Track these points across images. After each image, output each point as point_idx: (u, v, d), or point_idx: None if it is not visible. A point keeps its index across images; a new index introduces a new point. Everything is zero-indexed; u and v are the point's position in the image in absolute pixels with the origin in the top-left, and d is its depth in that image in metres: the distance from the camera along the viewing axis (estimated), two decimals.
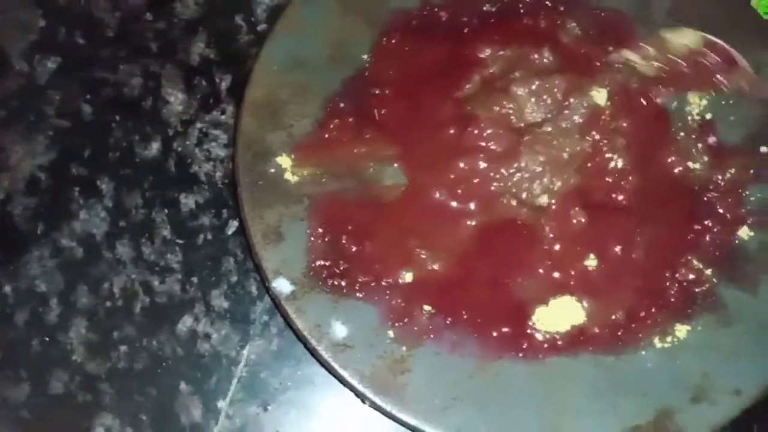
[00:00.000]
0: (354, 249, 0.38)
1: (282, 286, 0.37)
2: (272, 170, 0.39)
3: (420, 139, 0.40)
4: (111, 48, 0.44)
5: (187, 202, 0.41)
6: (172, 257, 0.40)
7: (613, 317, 0.37)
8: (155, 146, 0.42)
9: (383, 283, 0.38)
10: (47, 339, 0.38)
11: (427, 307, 0.37)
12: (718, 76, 0.41)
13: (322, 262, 0.38)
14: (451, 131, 0.40)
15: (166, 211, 0.41)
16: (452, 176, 0.39)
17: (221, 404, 0.38)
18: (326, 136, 0.40)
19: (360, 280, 0.37)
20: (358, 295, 0.37)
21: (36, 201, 0.41)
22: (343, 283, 0.37)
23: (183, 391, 0.38)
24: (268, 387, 0.38)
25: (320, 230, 0.38)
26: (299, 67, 0.41)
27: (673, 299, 0.38)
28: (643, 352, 0.37)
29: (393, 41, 0.42)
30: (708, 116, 0.41)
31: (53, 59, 0.43)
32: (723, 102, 0.42)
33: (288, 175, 0.39)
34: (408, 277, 0.38)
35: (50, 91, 0.43)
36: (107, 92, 0.43)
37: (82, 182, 0.41)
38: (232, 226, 0.41)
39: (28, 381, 0.38)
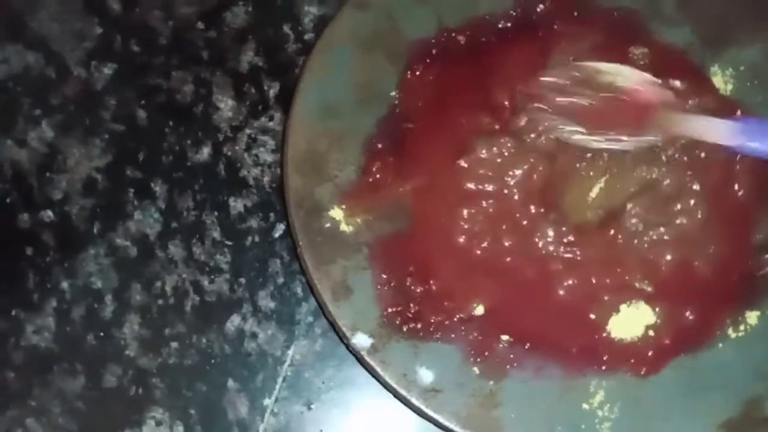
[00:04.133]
0: (420, 289, 0.38)
1: (361, 340, 0.37)
2: (327, 225, 0.39)
3: (433, 170, 0.40)
4: (164, 55, 0.45)
5: (236, 205, 0.43)
6: (221, 258, 0.42)
7: (686, 314, 0.38)
8: (206, 151, 0.44)
9: (456, 319, 0.38)
10: (102, 334, 0.40)
11: (504, 337, 0.38)
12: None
13: (394, 309, 0.38)
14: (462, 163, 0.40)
15: (216, 213, 0.42)
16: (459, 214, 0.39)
17: (267, 402, 0.39)
18: (370, 180, 0.40)
19: (433, 320, 0.38)
20: (435, 336, 0.37)
21: (92, 201, 0.42)
22: (418, 326, 0.37)
23: (230, 388, 0.39)
24: (312, 386, 0.40)
25: (384, 276, 0.38)
26: (333, 115, 0.40)
27: (737, 287, 0.38)
28: (720, 345, 0.38)
29: (417, 73, 0.42)
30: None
31: (109, 66, 0.45)
32: (748, 84, 0.42)
33: (343, 227, 0.39)
34: (479, 309, 0.38)
35: (106, 97, 0.44)
36: (161, 98, 0.45)
37: (136, 184, 0.43)
38: (279, 229, 0.42)
39: (83, 374, 0.40)
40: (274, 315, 0.41)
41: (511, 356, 0.37)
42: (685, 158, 0.39)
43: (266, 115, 0.44)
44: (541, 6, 0.43)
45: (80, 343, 0.40)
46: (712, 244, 0.39)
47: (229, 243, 0.42)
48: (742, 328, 0.38)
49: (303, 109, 0.40)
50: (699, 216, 0.39)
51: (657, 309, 0.38)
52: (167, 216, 0.42)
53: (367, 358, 0.37)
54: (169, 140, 0.44)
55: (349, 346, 0.37)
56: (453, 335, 0.37)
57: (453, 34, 0.43)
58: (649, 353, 0.37)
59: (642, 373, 0.37)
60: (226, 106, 0.45)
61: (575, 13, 0.43)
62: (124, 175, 0.43)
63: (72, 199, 0.42)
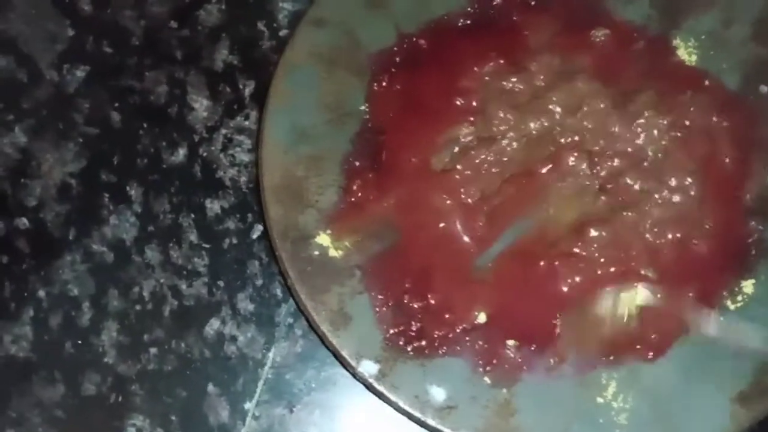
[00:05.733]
0: (419, 305, 0.37)
1: (368, 367, 0.36)
2: (316, 252, 0.38)
3: (412, 180, 0.40)
4: (137, 56, 0.45)
5: (213, 206, 0.42)
6: (199, 261, 0.41)
7: (689, 294, 0.38)
8: (181, 152, 0.43)
9: (459, 331, 0.37)
10: (80, 342, 0.40)
11: (510, 342, 0.37)
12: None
13: (396, 329, 0.37)
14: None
15: (193, 215, 0.42)
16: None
17: (248, 405, 0.39)
18: (353, 200, 0.39)
19: (436, 334, 0.37)
20: (441, 351, 0.37)
21: (67, 207, 0.42)
22: (423, 343, 0.37)
23: (211, 393, 0.39)
24: (293, 388, 0.39)
25: (381, 297, 0.37)
26: (305, 140, 0.40)
27: (730, 258, 0.38)
28: (722, 318, 0.38)
29: (383, 84, 0.41)
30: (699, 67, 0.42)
31: (82, 68, 0.44)
32: (711, 52, 0.42)
33: (332, 252, 0.38)
34: (481, 317, 0.37)
35: (79, 100, 0.44)
36: (134, 100, 0.44)
37: (111, 188, 0.42)
38: (257, 230, 0.42)
39: (62, 382, 0.39)
40: (254, 317, 0.40)
41: (520, 360, 0.37)
42: (678, 134, 0.40)
43: (242, 114, 0.44)
44: None
45: (58, 352, 0.40)
46: (706, 218, 0.39)
47: (207, 245, 0.41)
48: (739, 298, 0.38)
49: (273, 138, 0.39)
50: (693, 192, 0.39)
51: (656, 292, 0.38)
52: (143, 220, 0.42)
53: (376, 385, 0.36)
54: (144, 142, 0.43)
55: (355, 375, 0.37)
56: (459, 347, 0.37)
57: (414, 40, 0.42)
58: (653, 336, 0.37)
59: (649, 357, 0.37)
60: (201, 106, 0.44)
61: (532, 3, 0.43)
62: (99, 180, 0.42)
63: (47, 205, 0.42)
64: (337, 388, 0.39)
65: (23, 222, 0.42)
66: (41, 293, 0.40)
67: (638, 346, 0.37)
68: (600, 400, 0.37)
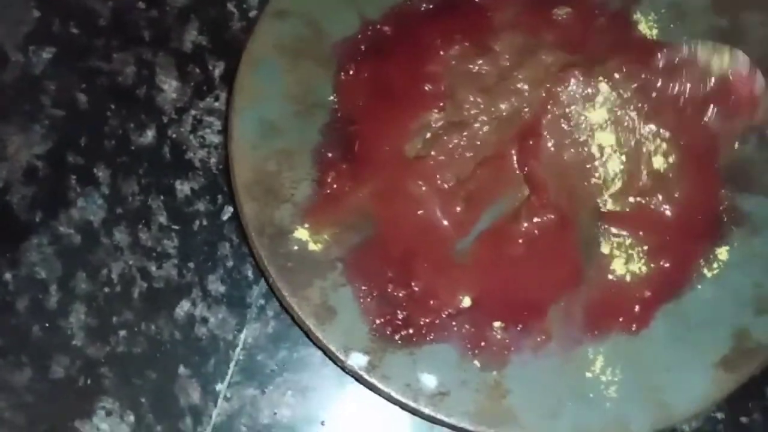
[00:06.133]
0: (403, 294, 0.37)
1: (357, 360, 0.36)
2: (295, 248, 0.37)
3: (387, 169, 0.39)
4: (105, 37, 0.44)
5: (183, 188, 0.42)
6: (168, 243, 0.41)
7: (662, 263, 0.38)
8: (150, 134, 0.43)
9: (445, 316, 0.37)
10: (47, 325, 0.39)
11: (496, 323, 0.37)
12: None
13: (382, 319, 0.37)
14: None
15: (162, 197, 0.41)
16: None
17: (219, 387, 0.39)
18: (328, 192, 0.38)
19: (423, 321, 0.37)
20: (429, 338, 0.37)
21: (34, 190, 0.41)
22: (410, 332, 0.36)
23: (182, 375, 0.39)
24: (265, 369, 0.39)
25: (364, 288, 0.37)
26: (275, 134, 0.39)
27: (703, 225, 0.39)
28: (699, 286, 0.38)
29: (350, 73, 0.40)
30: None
31: (48, 50, 0.44)
32: (671, 25, 0.43)
33: (312, 246, 0.37)
34: (466, 301, 0.37)
35: (46, 82, 0.43)
36: (102, 81, 0.43)
37: (78, 170, 0.42)
38: (227, 211, 0.41)
39: (30, 366, 0.39)
40: (225, 299, 0.40)
41: (507, 341, 0.37)
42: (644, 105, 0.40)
43: (211, 96, 0.43)
44: None
45: (26, 335, 0.39)
46: (678, 186, 0.39)
47: (176, 227, 0.41)
48: (715, 265, 0.39)
49: (242, 134, 0.39)
50: (672, 159, 0.39)
51: (634, 263, 0.39)
52: (111, 202, 0.41)
53: (367, 377, 0.36)
54: (112, 124, 0.43)
55: (345, 368, 0.36)
56: (446, 333, 0.37)
57: (378, 27, 0.41)
58: (636, 308, 0.38)
59: (633, 329, 0.38)
60: (169, 87, 0.43)
61: None
62: (66, 162, 0.42)
63: (13, 187, 0.41)
64: (309, 368, 0.39)
65: None
66: (8, 276, 0.40)
67: (621, 319, 0.38)
68: (588, 374, 0.37)
